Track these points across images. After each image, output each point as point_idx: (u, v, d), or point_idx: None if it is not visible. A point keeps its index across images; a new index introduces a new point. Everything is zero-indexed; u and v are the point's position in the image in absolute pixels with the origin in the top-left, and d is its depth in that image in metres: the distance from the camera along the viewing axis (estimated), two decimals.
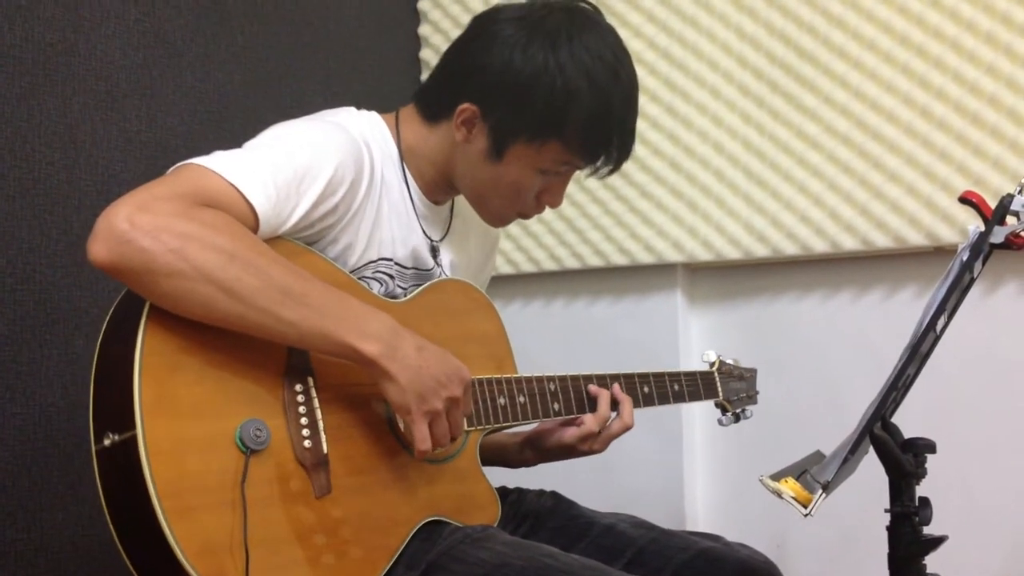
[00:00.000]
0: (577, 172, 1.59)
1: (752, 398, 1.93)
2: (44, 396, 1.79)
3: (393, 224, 1.52)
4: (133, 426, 1.16)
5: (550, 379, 1.60)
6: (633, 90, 1.55)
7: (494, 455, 1.70)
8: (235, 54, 2.17)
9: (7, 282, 1.76)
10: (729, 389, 1.86)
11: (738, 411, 1.88)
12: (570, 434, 1.62)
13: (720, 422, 1.85)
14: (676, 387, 1.75)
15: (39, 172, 1.81)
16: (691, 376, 1.80)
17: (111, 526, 1.20)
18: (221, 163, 1.29)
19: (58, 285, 1.81)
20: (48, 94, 1.83)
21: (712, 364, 1.86)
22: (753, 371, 1.95)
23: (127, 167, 1.93)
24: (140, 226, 1.18)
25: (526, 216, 1.62)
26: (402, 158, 1.56)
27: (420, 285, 1.56)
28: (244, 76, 2.18)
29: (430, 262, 1.59)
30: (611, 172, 1.58)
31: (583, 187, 2.44)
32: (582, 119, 1.48)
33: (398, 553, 1.37)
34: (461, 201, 1.68)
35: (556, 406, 1.59)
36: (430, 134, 1.56)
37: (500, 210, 1.60)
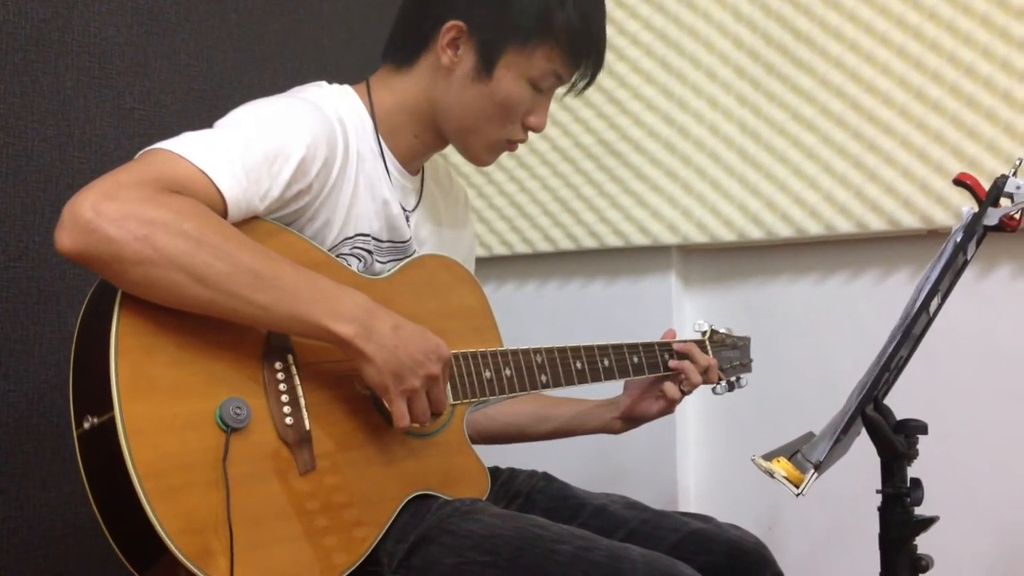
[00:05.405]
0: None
1: (746, 366, 1.92)
2: (37, 374, 1.79)
3: (368, 198, 1.51)
4: (111, 408, 1.16)
5: (536, 351, 1.59)
6: None
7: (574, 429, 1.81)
8: (229, 31, 2.16)
9: (0, 260, 1.75)
10: (722, 358, 1.85)
11: (732, 379, 1.87)
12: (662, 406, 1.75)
13: (714, 391, 1.84)
14: (666, 356, 1.76)
15: (32, 149, 1.80)
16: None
17: (95, 509, 1.20)
18: (189, 147, 1.28)
19: (51, 263, 1.80)
20: (41, 71, 1.82)
21: (704, 333, 1.86)
22: (746, 339, 1.94)
23: (120, 144, 1.92)
24: (105, 214, 1.17)
25: (512, 145, 1.61)
26: (377, 129, 1.55)
27: (399, 259, 1.56)
28: (238, 53, 2.17)
29: (406, 232, 1.59)
30: (586, 86, 1.59)
31: (578, 168, 2.44)
32: (570, 17, 1.50)
33: (386, 527, 1.37)
34: (429, 168, 1.68)
35: (544, 378, 1.59)
36: (406, 80, 1.56)
37: (489, 137, 1.58)
